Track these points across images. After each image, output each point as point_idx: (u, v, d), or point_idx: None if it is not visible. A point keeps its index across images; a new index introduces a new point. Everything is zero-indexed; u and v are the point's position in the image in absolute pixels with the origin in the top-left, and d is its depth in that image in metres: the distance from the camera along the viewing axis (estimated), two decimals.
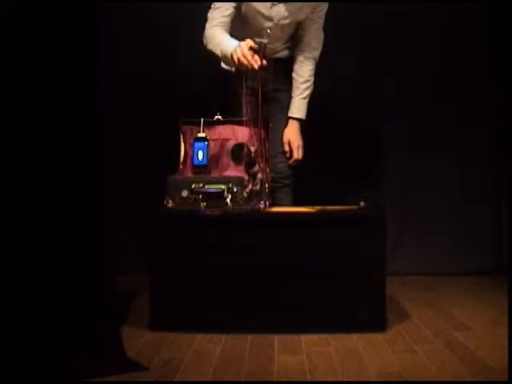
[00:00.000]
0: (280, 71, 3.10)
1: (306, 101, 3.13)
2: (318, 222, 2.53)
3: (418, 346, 2.29)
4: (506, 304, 2.58)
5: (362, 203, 2.61)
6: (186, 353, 2.22)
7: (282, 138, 3.11)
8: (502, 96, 3.72)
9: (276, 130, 3.06)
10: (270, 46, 2.88)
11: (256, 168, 2.61)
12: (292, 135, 3.11)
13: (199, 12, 3.04)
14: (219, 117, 2.68)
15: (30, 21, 1.94)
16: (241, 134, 2.66)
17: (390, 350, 2.24)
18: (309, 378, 1.98)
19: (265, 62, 2.70)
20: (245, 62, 2.69)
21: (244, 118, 2.68)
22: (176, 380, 1.97)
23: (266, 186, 2.63)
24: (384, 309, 2.49)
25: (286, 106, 3.12)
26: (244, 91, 2.74)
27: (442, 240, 3.74)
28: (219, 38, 2.86)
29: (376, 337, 2.39)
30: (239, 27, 2.97)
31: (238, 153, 2.64)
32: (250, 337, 2.39)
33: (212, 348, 2.28)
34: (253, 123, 2.67)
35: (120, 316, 2.55)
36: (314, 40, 3.08)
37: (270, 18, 2.94)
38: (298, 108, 3.12)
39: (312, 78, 3.13)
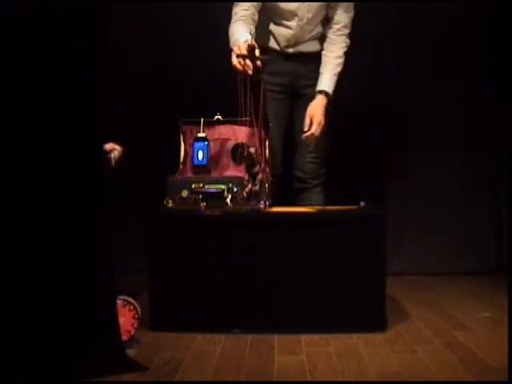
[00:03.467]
0: (311, 66, 3.06)
1: (336, 78, 3.03)
2: (318, 222, 2.53)
3: (418, 346, 2.29)
4: (506, 304, 2.58)
5: (362, 203, 2.61)
6: (186, 353, 2.22)
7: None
8: (501, 95, 3.73)
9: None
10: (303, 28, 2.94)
11: (256, 168, 2.60)
12: (316, 110, 2.97)
13: (202, 12, 3.04)
14: (219, 117, 2.68)
15: (29, 21, 1.94)
16: (241, 134, 2.66)
17: (390, 350, 2.24)
18: (309, 378, 1.98)
19: (259, 63, 2.69)
20: (239, 68, 2.69)
21: (244, 118, 2.68)
22: (176, 380, 1.97)
23: (266, 186, 2.63)
24: (384, 309, 2.49)
25: None
26: (241, 90, 2.71)
27: (442, 240, 3.74)
28: (236, 35, 2.84)
29: (376, 337, 2.39)
30: (265, 13, 2.97)
31: (238, 153, 2.64)
32: (250, 337, 2.39)
33: (212, 348, 2.28)
34: (260, 122, 2.65)
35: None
36: (344, 16, 3.01)
37: None
38: (329, 83, 3.01)
39: (344, 56, 3.03)
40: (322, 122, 2.97)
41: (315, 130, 2.96)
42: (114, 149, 2.37)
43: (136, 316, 2.28)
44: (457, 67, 3.74)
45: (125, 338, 2.24)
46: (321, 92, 3.02)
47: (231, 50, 2.84)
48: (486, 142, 3.80)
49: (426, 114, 3.75)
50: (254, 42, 2.68)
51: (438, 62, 3.74)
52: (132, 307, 2.28)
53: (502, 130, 3.76)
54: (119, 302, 2.27)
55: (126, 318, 2.27)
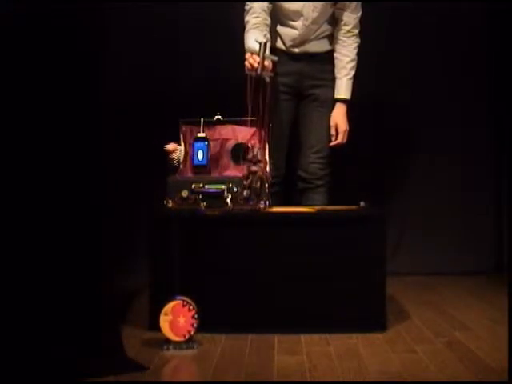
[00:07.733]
0: (318, 66, 3.07)
1: (352, 81, 3.07)
2: (318, 222, 2.53)
3: (418, 346, 2.29)
4: (505, 304, 2.58)
5: (362, 203, 2.60)
6: (186, 353, 2.22)
7: (315, 137, 3.08)
8: (502, 95, 3.73)
9: (311, 128, 3.08)
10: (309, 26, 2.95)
11: (257, 168, 2.60)
12: (340, 119, 3.07)
13: (201, 11, 3.04)
14: (219, 117, 2.68)
15: (29, 21, 1.94)
16: (241, 134, 2.66)
17: (390, 350, 2.24)
18: (309, 378, 1.98)
19: (267, 62, 2.69)
20: (248, 65, 2.69)
21: (246, 118, 2.68)
22: (176, 380, 1.97)
23: (266, 186, 2.62)
24: (384, 309, 2.49)
25: (324, 103, 3.08)
26: (249, 89, 2.70)
27: (442, 240, 3.74)
28: (248, 42, 2.83)
29: (376, 337, 2.39)
30: (274, 14, 2.97)
31: (238, 153, 2.64)
32: (250, 337, 2.39)
33: (212, 348, 2.28)
34: (260, 122, 2.65)
35: (120, 316, 2.55)
36: (353, 17, 3.04)
37: None
38: (346, 89, 3.07)
39: (356, 57, 3.07)
40: (347, 130, 3.07)
41: (342, 139, 3.07)
42: (176, 149, 2.41)
43: (195, 316, 2.27)
44: (457, 67, 3.74)
45: (185, 337, 2.25)
46: (340, 100, 3.07)
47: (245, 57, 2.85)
48: (485, 142, 3.80)
49: (426, 114, 3.75)
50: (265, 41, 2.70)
51: (438, 62, 3.74)
52: (191, 307, 2.27)
53: (502, 129, 3.76)
54: (179, 303, 2.27)
55: (186, 318, 2.26)
